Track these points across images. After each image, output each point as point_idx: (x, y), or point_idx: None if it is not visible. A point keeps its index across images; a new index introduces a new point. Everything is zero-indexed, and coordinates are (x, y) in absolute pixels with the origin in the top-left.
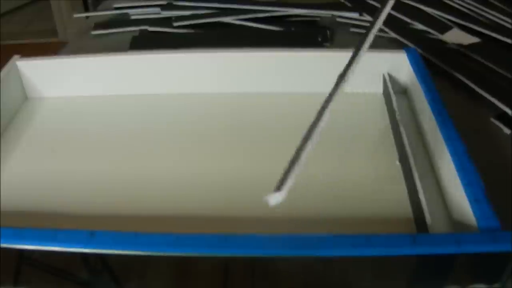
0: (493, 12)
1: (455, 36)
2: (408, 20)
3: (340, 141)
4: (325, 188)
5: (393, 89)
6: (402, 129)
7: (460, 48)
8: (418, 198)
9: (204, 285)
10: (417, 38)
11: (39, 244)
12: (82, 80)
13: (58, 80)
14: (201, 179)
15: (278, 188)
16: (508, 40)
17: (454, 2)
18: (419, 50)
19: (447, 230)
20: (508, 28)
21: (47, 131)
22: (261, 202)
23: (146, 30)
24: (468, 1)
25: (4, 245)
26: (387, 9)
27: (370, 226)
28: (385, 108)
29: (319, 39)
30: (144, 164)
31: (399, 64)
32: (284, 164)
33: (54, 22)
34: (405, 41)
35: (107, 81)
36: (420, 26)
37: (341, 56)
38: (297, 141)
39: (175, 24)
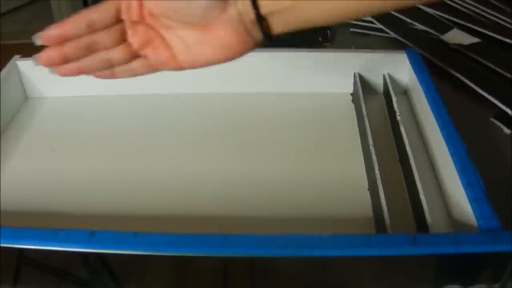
0: (493, 12)
1: (455, 36)
2: (408, 20)
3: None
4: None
5: (393, 90)
6: (402, 129)
7: (460, 48)
8: (418, 198)
9: (204, 285)
10: (417, 38)
11: (39, 244)
12: (82, 80)
13: (58, 80)
14: (201, 179)
15: None
16: (508, 40)
17: (454, 2)
18: (419, 50)
19: (447, 230)
20: (508, 28)
21: (47, 131)
22: (261, 202)
23: None
24: (469, 2)
25: (4, 245)
26: None
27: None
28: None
29: (319, 39)
30: (144, 164)
31: (399, 64)
32: (284, 163)
33: (54, 22)
34: (405, 41)
35: (107, 81)
36: (420, 26)
37: (341, 56)
38: (297, 141)
39: None
